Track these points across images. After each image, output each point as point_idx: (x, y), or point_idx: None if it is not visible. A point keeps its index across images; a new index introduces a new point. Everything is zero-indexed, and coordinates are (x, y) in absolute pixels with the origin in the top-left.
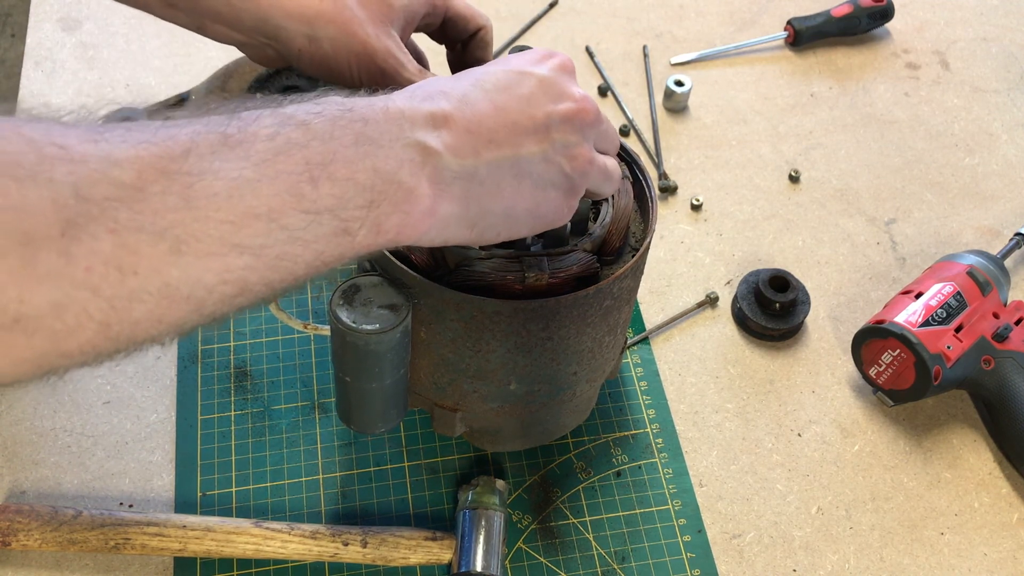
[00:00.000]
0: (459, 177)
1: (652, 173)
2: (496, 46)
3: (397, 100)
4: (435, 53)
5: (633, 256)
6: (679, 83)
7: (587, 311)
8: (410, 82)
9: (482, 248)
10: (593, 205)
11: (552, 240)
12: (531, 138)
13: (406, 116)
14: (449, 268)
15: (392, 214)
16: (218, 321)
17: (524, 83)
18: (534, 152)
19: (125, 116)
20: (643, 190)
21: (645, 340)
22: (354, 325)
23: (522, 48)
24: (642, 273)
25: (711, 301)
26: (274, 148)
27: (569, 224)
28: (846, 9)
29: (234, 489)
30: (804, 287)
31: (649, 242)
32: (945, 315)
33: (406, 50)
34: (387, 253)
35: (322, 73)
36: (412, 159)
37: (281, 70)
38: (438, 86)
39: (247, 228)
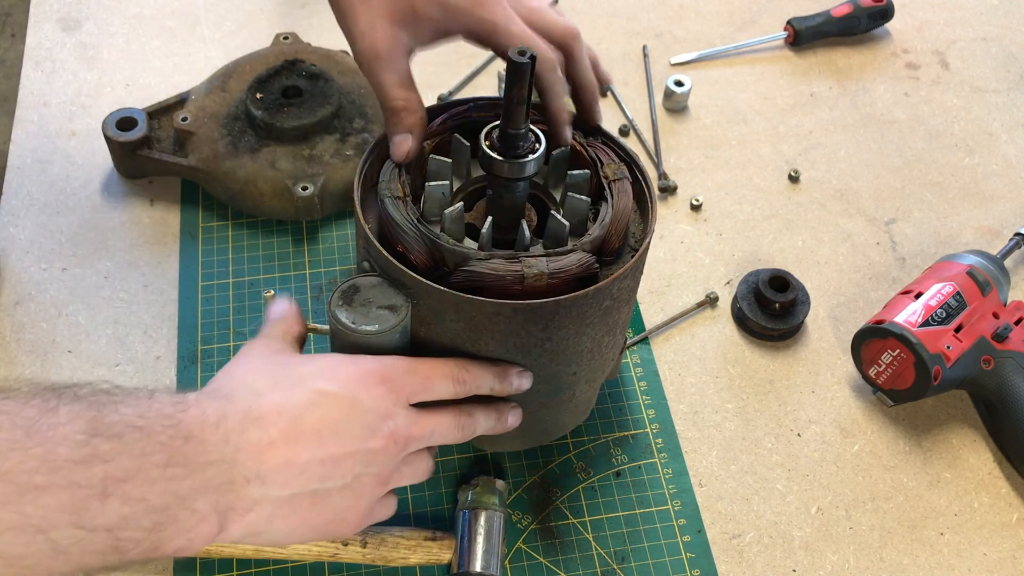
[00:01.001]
0: (262, 502)
1: (652, 173)
2: None
3: (231, 415)
4: (435, 54)
5: (632, 256)
6: (679, 83)
7: (586, 311)
8: (381, 88)
9: (482, 248)
10: (592, 205)
11: (552, 241)
12: (340, 471)
13: (233, 437)
14: (448, 268)
15: (175, 538)
16: None
17: (347, 413)
18: (338, 484)
19: (125, 116)
20: (642, 190)
21: (645, 340)
22: (353, 326)
23: (524, 49)
24: (641, 273)
25: (711, 301)
26: (79, 456)
27: (568, 224)
28: (846, 9)
29: None
30: (804, 287)
31: (648, 242)
32: (945, 315)
33: (402, 57)
34: (386, 253)
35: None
36: (218, 487)
37: (281, 70)
38: (279, 399)
39: (10, 538)
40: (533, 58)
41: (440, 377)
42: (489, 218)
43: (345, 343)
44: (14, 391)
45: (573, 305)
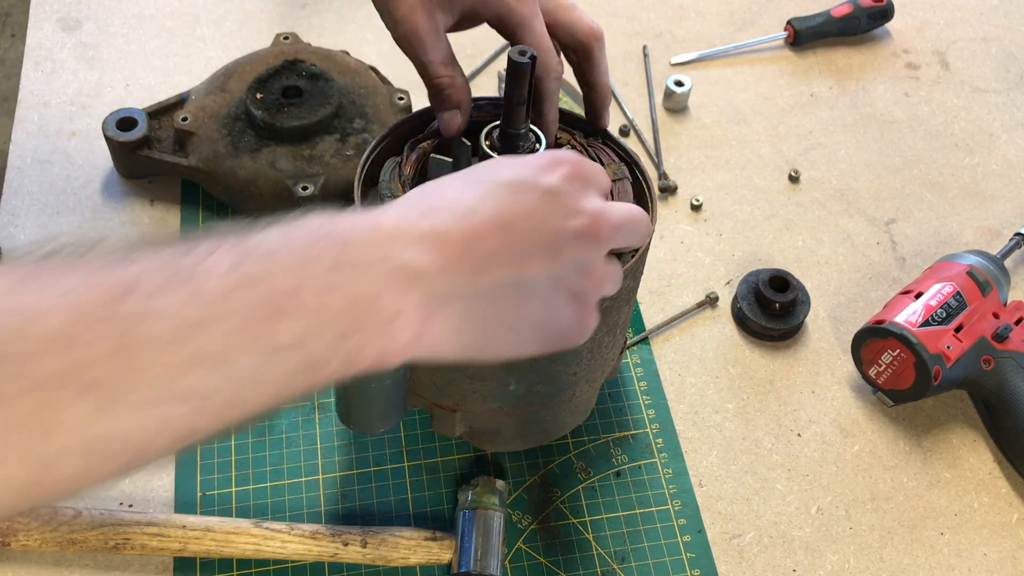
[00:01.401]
0: (453, 297)
1: (652, 173)
2: (496, 46)
3: (389, 216)
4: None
5: (633, 256)
6: (679, 83)
7: None
8: (425, 68)
9: None
10: None
11: None
12: (538, 258)
13: (397, 235)
14: None
15: (371, 342)
16: (164, 460)
17: (534, 202)
18: (541, 273)
19: (125, 116)
20: (643, 190)
21: (645, 340)
22: None
23: (524, 49)
24: (642, 273)
25: (711, 301)
26: (231, 283)
27: None
28: (846, 9)
29: (234, 489)
30: (804, 287)
31: (649, 242)
32: (945, 315)
33: (442, 37)
34: None
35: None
36: (397, 282)
37: (281, 70)
38: (439, 196)
39: (191, 374)
40: (533, 58)
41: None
42: None
43: None
44: (152, 243)
45: None
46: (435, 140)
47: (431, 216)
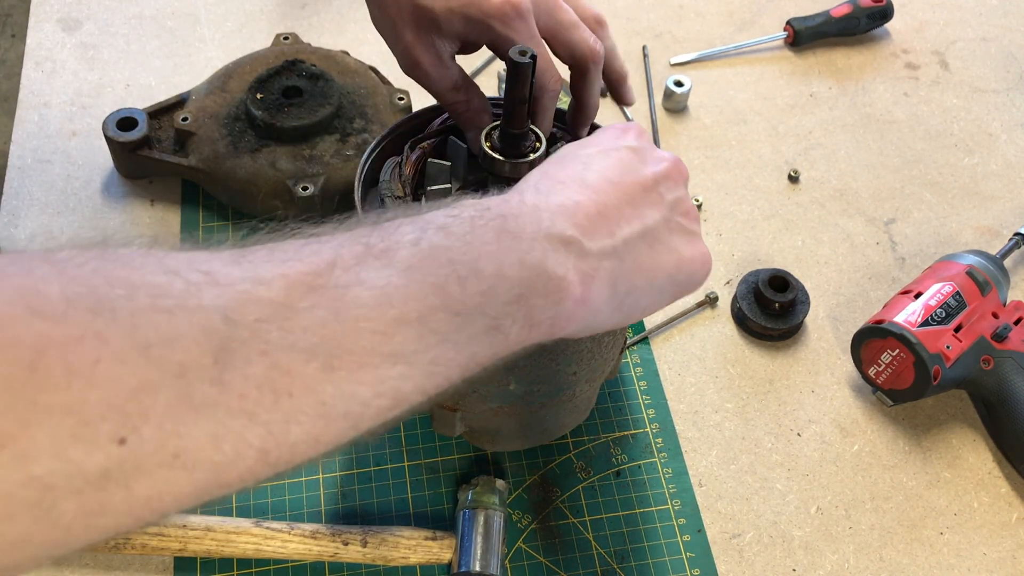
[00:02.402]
0: (603, 259)
1: None
2: None
3: (527, 195)
4: None
5: None
6: (679, 83)
7: None
8: (439, 96)
9: None
10: None
11: None
12: (650, 206)
13: (540, 209)
14: None
15: (544, 306)
16: (373, 436)
17: (624, 157)
18: (657, 218)
19: (126, 116)
20: None
21: (645, 340)
22: None
23: (524, 50)
24: None
25: (711, 301)
26: (418, 253)
27: None
28: (845, 9)
29: None
30: (803, 287)
31: None
32: (944, 315)
33: (448, 63)
34: None
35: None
36: (556, 249)
37: (281, 70)
38: (556, 176)
39: (398, 335)
40: (534, 58)
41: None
42: None
43: None
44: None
45: None
46: (434, 141)
47: (557, 193)
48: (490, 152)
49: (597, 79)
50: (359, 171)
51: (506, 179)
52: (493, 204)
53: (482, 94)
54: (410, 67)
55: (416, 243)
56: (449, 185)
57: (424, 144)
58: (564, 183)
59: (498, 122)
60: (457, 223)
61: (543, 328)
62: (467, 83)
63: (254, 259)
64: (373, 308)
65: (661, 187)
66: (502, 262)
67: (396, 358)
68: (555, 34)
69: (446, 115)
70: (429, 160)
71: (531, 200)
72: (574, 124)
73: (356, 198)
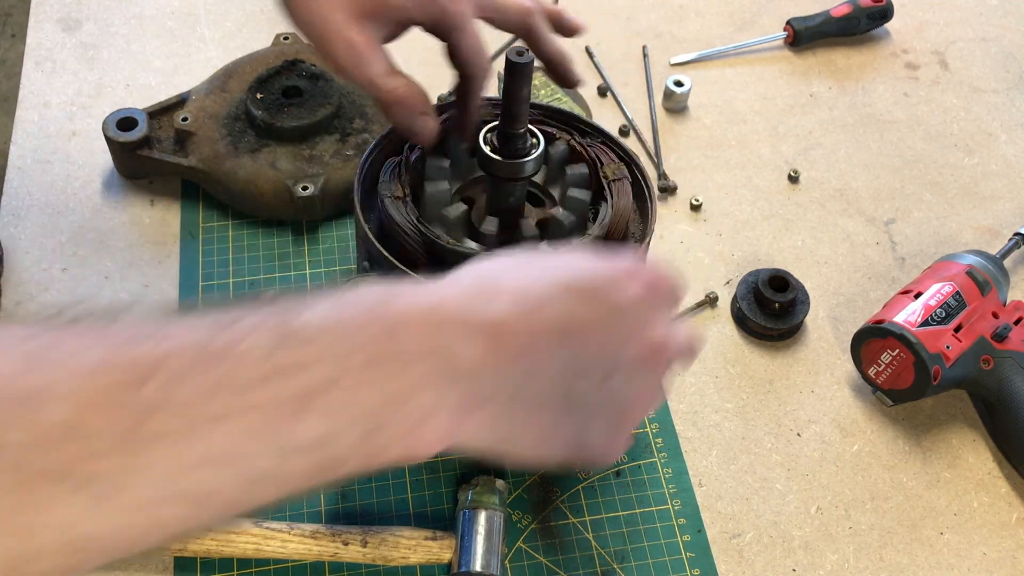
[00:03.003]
0: (496, 399)
1: (652, 173)
2: (496, 46)
3: (450, 299)
4: (433, 53)
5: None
6: (679, 83)
7: None
8: (373, 83)
9: (488, 247)
10: (592, 205)
11: (556, 236)
12: (590, 379)
13: (456, 321)
14: (448, 267)
15: (396, 442)
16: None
17: (600, 311)
18: (592, 387)
19: (126, 116)
20: (642, 190)
21: None
22: None
23: (522, 50)
24: None
25: (711, 301)
26: (260, 374)
27: (572, 219)
28: (845, 9)
29: None
30: (803, 287)
31: (648, 242)
32: (944, 315)
33: (379, 48)
34: (386, 253)
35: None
36: (441, 378)
37: (281, 70)
38: (505, 281)
39: (197, 474)
40: (532, 59)
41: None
42: (495, 219)
43: None
44: (190, 313)
45: None
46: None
47: (495, 304)
48: (488, 152)
49: (544, 29)
50: (359, 171)
51: (503, 179)
52: (398, 304)
53: (415, 81)
54: (352, 56)
55: (267, 357)
56: (446, 182)
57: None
58: (512, 297)
59: (496, 122)
60: (332, 333)
61: (389, 460)
62: (399, 69)
63: (65, 352)
64: (178, 439)
65: (617, 372)
66: (363, 392)
67: (187, 497)
68: (482, 6)
69: (444, 115)
70: (428, 158)
71: (453, 306)
72: (559, 78)
73: (355, 198)
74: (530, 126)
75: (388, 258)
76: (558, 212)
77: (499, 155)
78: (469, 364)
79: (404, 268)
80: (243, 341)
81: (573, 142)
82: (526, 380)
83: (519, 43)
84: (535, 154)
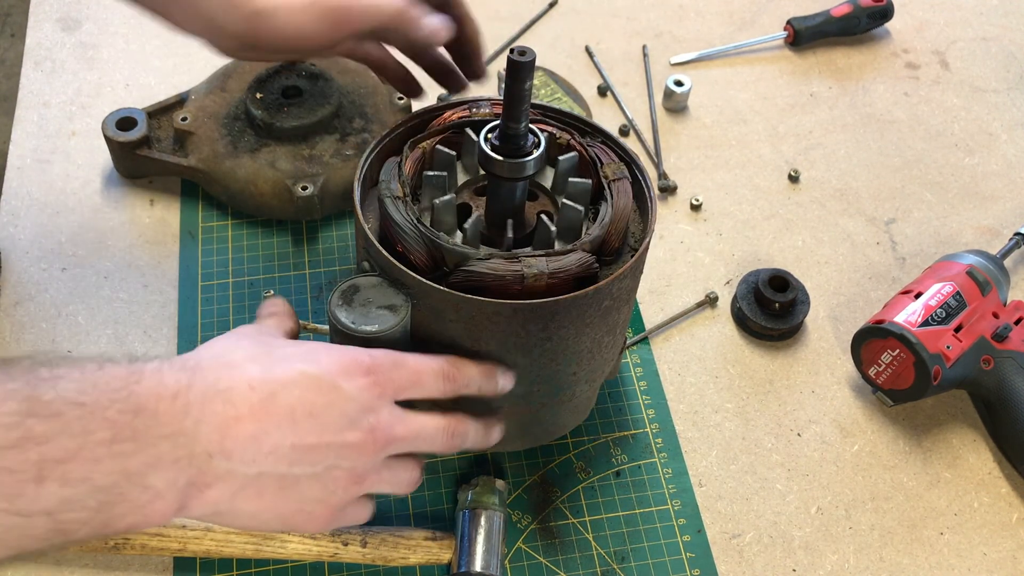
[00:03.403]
0: (222, 480)
1: (652, 173)
2: (496, 46)
3: (195, 386)
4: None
5: (632, 256)
6: (679, 83)
7: (586, 311)
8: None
9: (467, 243)
10: (592, 204)
11: (541, 244)
12: (311, 458)
13: (195, 409)
14: (448, 269)
15: (126, 516)
16: None
17: (326, 399)
18: (308, 472)
19: (125, 116)
20: (642, 190)
21: (645, 340)
22: (353, 325)
23: (523, 50)
24: (641, 273)
25: (711, 301)
26: (7, 440)
27: (555, 231)
28: (846, 9)
29: None
30: (804, 287)
31: (648, 242)
32: (944, 315)
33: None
34: (386, 253)
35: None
36: (175, 461)
37: (281, 70)
38: (250, 368)
39: None
40: (533, 57)
41: (430, 373)
42: (477, 213)
43: (345, 343)
44: None
45: (573, 305)
46: (436, 140)
47: (232, 394)
48: (489, 152)
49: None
50: (359, 171)
51: (504, 179)
52: (142, 388)
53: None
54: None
55: (14, 426)
56: (445, 174)
57: (424, 144)
58: (252, 386)
59: (498, 121)
60: (76, 411)
61: (122, 528)
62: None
63: None
64: None
65: (336, 451)
66: (100, 468)
67: None
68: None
69: (446, 114)
70: (436, 148)
71: (198, 394)
72: (463, 61)
73: (355, 198)
74: (532, 126)
75: (388, 258)
76: (550, 220)
77: (500, 154)
78: (206, 447)
79: (403, 268)
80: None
81: (573, 141)
82: (249, 465)
83: (520, 42)
84: (536, 153)
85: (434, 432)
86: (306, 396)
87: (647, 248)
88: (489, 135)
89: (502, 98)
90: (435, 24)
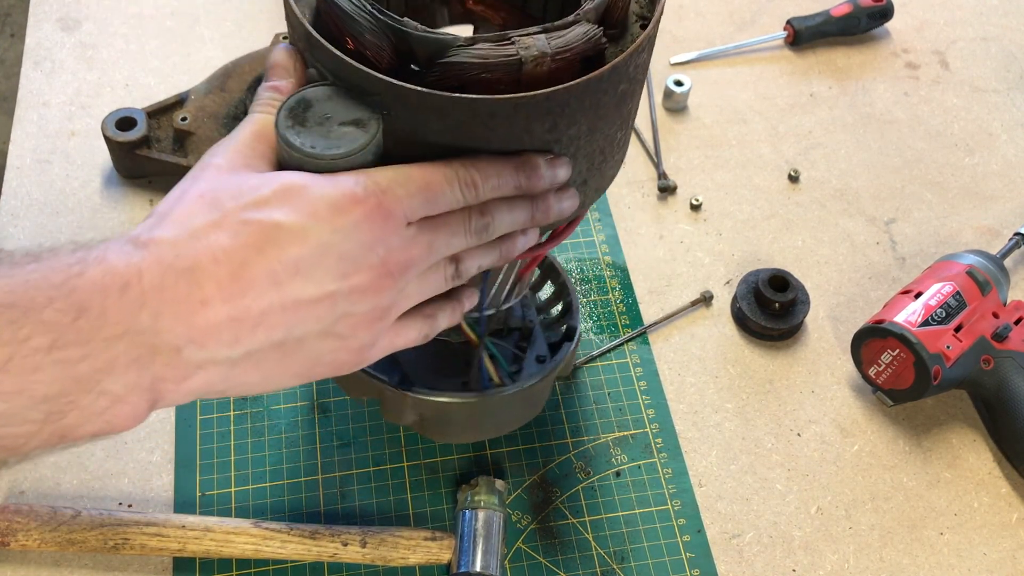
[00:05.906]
0: (201, 369)
1: (652, 173)
2: None
3: (150, 270)
4: None
5: (644, 26)
6: (679, 83)
7: (602, 99)
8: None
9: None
10: None
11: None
12: (313, 315)
13: (151, 299)
14: (421, 64)
15: (88, 422)
16: None
17: (314, 248)
18: (311, 329)
19: (125, 116)
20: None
21: (645, 340)
22: (313, 150)
23: None
24: (650, 57)
25: (705, 300)
26: None
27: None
28: (846, 9)
29: (233, 489)
30: (804, 287)
31: (657, 22)
32: (944, 315)
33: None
34: (335, 51)
35: None
36: (133, 361)
37: None
38: (219, 241)
39: None
40: None
41: (442, 180)
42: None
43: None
44: None
45: (587, 91)
46: None
47: (198, 273)
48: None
49: None
50: None
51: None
52: (88, 277)
53: None
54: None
55: None
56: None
57: None
58: (217, 258)
59: None
60: (8, 317)
61: (85, 437)
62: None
63: None
64: None
65: (340, 300)
66: (37, 380)
67: None
68: None
69: None
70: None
71: (152, 283)
72: None
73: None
74: None
75: (340, 57)
76: None
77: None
78: (171, 340)
79: (365, 70)
80: None
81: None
82: (235, 348)
83: None
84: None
85: (457, 224)
86: (287, 253)
87: (659, 20)
88: None
89: None
90: None
